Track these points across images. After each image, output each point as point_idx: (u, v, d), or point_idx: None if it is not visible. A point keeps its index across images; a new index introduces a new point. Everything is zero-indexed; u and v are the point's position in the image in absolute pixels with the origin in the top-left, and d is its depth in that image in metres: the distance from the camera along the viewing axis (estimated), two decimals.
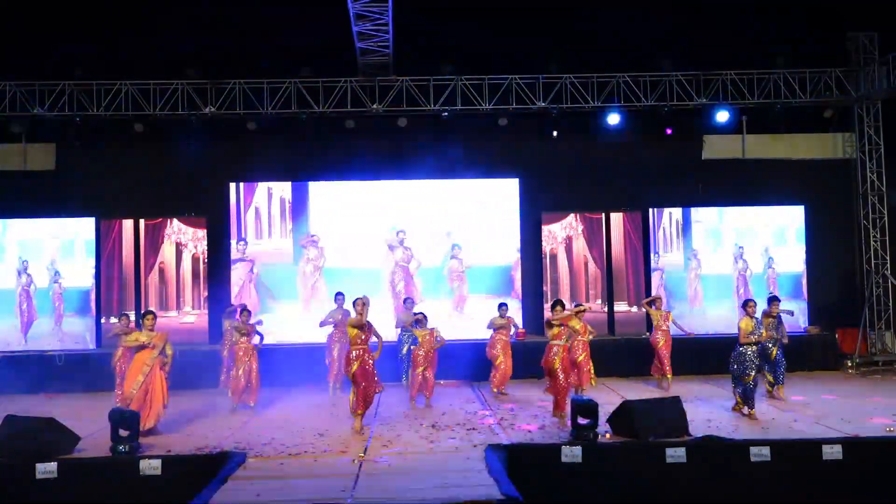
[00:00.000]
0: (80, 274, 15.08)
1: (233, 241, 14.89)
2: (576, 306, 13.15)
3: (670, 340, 13.58)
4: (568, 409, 10.71)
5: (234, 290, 14.87)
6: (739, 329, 10.98)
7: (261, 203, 13.50)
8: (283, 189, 13.96)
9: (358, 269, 15.23)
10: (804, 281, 16.62)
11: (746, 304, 11.20)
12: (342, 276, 15.06)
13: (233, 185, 15.78)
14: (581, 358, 12.42)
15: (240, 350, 12.26)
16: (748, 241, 16.26)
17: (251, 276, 14.38)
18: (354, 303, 10.30)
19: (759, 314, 11.28)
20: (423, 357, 12.25)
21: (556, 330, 10.95)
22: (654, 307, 13.74)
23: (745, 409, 10.91)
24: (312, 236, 14.38)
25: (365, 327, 10.28)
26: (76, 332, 14.92)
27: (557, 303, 11.42)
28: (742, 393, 10.94)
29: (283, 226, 14.07)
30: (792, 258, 16.36)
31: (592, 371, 12.87)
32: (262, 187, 13.97)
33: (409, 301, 14.24)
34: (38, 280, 15.08)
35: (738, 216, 16.54)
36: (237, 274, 14.49)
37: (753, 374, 10.81)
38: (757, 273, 16.22)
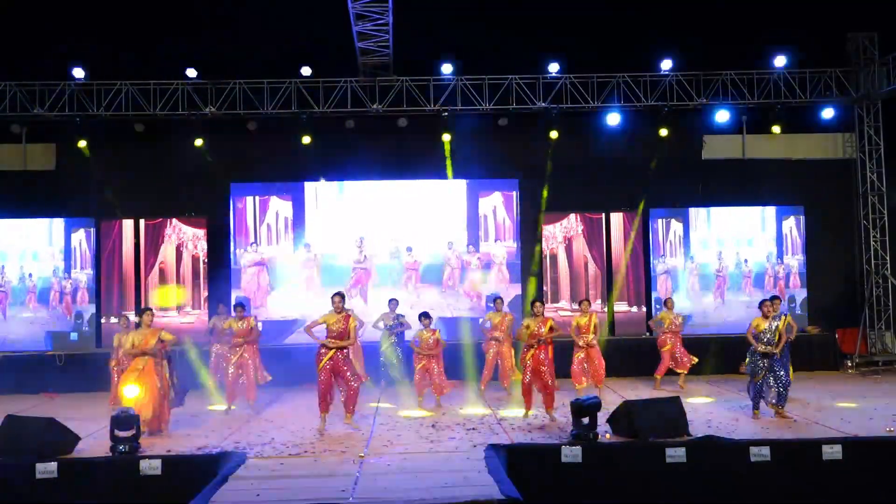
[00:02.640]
0: (45, 271, 16.07)
1: (250, 246, 16.03)
2: (580, 303, 13.23)
3: (679, 342, 13.57)
4: (531, 402, 10.99)
5: (250, 279, 15.94)
6: (750, 326, 10.83)
7: (271, 220, 15.77)
8: (287, 210, 15.93)
9: (348, 266, 16.17)
10: (804, 281, 16.68)
11: (762, 304, 10.92)
12: (333, 270, 15.96)
13: (249, 201, 16.14)
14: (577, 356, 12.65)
15: (234, 349, 12.22)
16: (727, 244, 16.66)
17: (263, 270, 15.91)
18: (333, 297, 10.43)
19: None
20: (421, 356, 12.25)
21: (532, 328, 11.04)
22: (665, 308, 13.74)
23: (752, 409, 10.84)
24: (307, 245, 15.96)
25: (343, 319, 10.31)
26: (45, 319, 15.89)
27: (535, 301, 11.46)
28: (752, 393, 10.86)
29: (286, 235, 15.91)
30: (759, 256, 16.67)
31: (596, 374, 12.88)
32: (271, 210, 15.91)
33: (393, 301, 14.21)
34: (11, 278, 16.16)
35: (720, 224, 16.69)
36: (252, 269, 15.90)
37: (762, 374, 10.73)
38: (731, 271, 16.59)
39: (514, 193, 16.18)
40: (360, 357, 13.69)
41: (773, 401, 10.73)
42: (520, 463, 8.70)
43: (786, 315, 11.30)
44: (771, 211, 16.78)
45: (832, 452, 8.87)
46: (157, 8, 15.41)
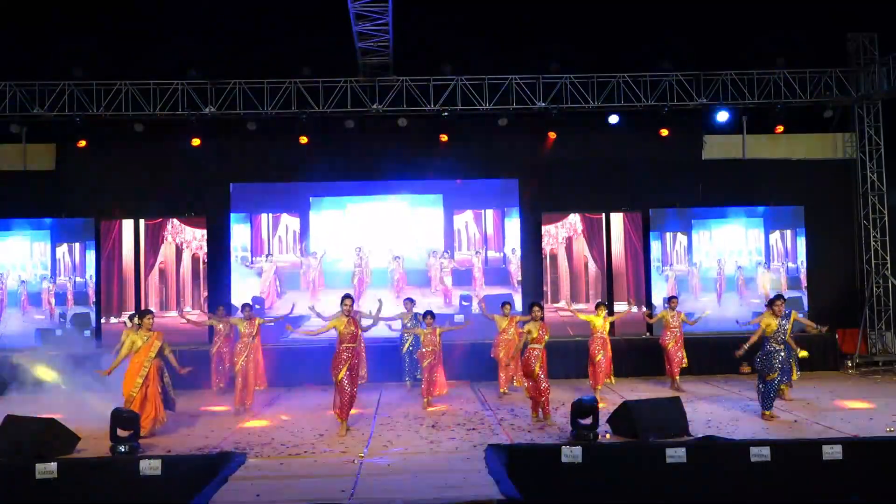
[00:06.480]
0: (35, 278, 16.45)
1: (265, 255, 16.58)
2: (597, 306, 13.34)
3: (681, 341, 13.58)
4: (549, 409, 10.92)
5: (264, 285, 16.55)
6: (765, 329, 10.70)
7: (282, 233, 16.67)
8: (295, 225, 16.70)
9: (346, 270, 16.74)
10: (803, 281, 16.72)
11: (773, 303, 10.82)
12: (334, 274, 16.58)
13: (264, 217, 16.59)
14: (598, 357, 12.70)
15: (238, 349, 12.23)
16: (725, 253, 16.92)
17: (275, 277, 16.55)
18: (343, 300, 10.37)
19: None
20: (425, 356, 12.26)
21: (534, 334, 10.95)
22: (668, 307, 13.75)
23: (763, 411, 10.78)
24: (314, 252, 16.61)
25: (351, 321, 10.32)
26: (35, 318, 16.34)
27: (534, 304, 11.42)
28: (763, 392, 10.77)
29: (294, 246, 16.66)
30: (752, 261, 16.94)
31: (612, 371, 13.04)
32: (282, 225, 16.69)
33: (408, 301, 14.27)
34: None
35: (718, 235, 16.89)
36: (266, 275, 16.55)
37: (777, 373, 10.70)
38: (728, 274, 16.85)
39: (483, 211, 16.76)
40: (363, 358, 13.79)
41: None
42: (520, 463, 8.70)
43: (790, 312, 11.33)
44: (759, 225, 16.92)
45: (832, 452, 8.87)
46: (157, 8, 15.42)
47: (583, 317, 13.02)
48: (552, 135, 16.48)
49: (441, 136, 16.39)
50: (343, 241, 16.60)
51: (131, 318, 13.05)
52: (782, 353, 10.72)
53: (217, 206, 16.40)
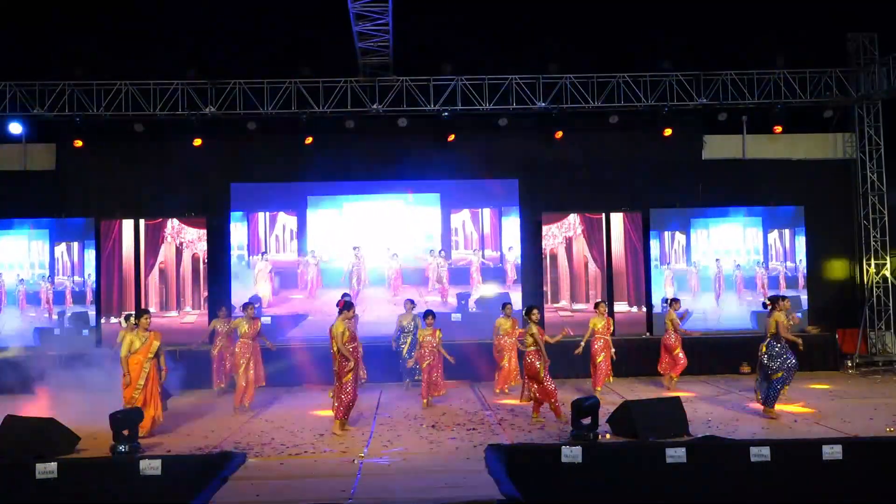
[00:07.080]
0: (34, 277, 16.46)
1: (262, 255, 16.55)
2: (596, 305, 13.47)
3: (680, 341, 13.60)
4: (560, 409, 10.87)
5: (260, 285, 16.50)
6: (778, 324, 10.71)
7: (279, 232, 16.70)
8: (292, 224, 16.71)
9: (347, 269, 16.70)
10: (802, 281, 16.71)
11: (778, 302, 10.84)
12: (331, 273, 16.57)
13: (261, 216, 16.54)
14: (600, 359, 12.83)
15: (239, 349, 12.24)
16: (723, 252, 16.89)
17: (271, 276, 16.58)
18: (350, 307, 10.31)
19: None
20: (424, 356, 12.26)
21: (536, 338, 10.98)
22: (671, 308, 13.74)
23: (765, 408, 10.78)
24: (311, 251, 16.58)
25: (350, 323, 10.34)
26: (33, 318, 16.30)
27: (532, 308, 11.43)
28: (767, 390, 10.77)
29: (290, 244, 16.67)
30: (751, 261, 16.91)
31: (611, 372, 13.12)
32: (279, 224, 16.69)
33: (409, 302, 14.27)
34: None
35: (717, 234, 16.85)
36: (262, 275, 16.55)
37: (782, 372, 10.69)
38: (727, 273, 16.82)
39: (480, 210, 16.71)
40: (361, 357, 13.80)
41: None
42: (520, 463, 8.70)
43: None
44: (758, 224, 16.88)
45: (832, 452, 8.86)
46: (157, 8, 15.42)
47: (587, 336, 13.02)
48: (558, 134, 16.43)
49: (449, 136, 16.26)
50: (340, 240, 16.56)
51: (127, 318, 13.07)
52: (785, 352, 10.73)
53: (217, 206, 16.40)
